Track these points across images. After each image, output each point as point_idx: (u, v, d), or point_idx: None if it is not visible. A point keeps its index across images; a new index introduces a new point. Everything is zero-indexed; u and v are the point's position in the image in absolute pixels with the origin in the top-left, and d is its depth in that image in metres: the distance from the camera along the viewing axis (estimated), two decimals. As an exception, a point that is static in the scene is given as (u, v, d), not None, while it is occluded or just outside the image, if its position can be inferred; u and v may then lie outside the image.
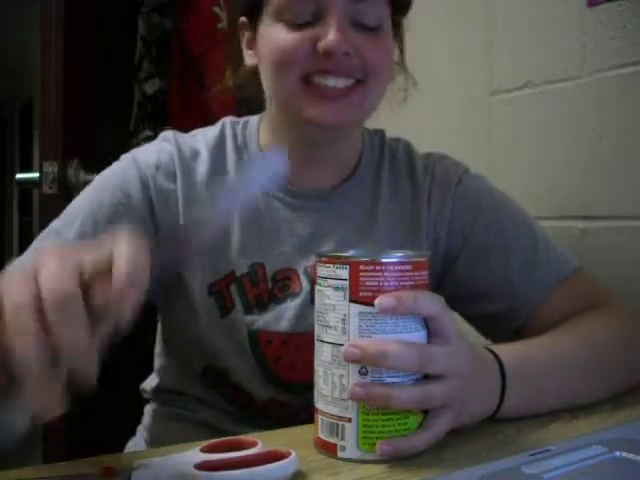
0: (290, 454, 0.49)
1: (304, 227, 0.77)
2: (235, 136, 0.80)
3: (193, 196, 0.74)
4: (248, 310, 0.73)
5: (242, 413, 0.76)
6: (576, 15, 1.00)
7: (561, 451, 0.52)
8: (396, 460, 0.53)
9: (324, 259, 0.55)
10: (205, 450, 0.51)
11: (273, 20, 0.70)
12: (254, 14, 0.73)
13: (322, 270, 0.55)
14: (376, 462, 0.53)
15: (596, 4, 0.97)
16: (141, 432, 0.86)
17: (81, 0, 1.65)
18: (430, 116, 1.29)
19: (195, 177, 0.76)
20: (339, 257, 0.54)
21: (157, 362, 0.86)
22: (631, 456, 0.51)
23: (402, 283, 0.53)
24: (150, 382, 0.87)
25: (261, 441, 0.51)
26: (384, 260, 0.52)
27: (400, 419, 0.53)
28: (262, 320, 0.73)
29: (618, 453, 0.52)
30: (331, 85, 0.68)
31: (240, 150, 0.79)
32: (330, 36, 0.66)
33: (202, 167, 0.76)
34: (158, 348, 0.86)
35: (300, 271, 0.75)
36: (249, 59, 0.77)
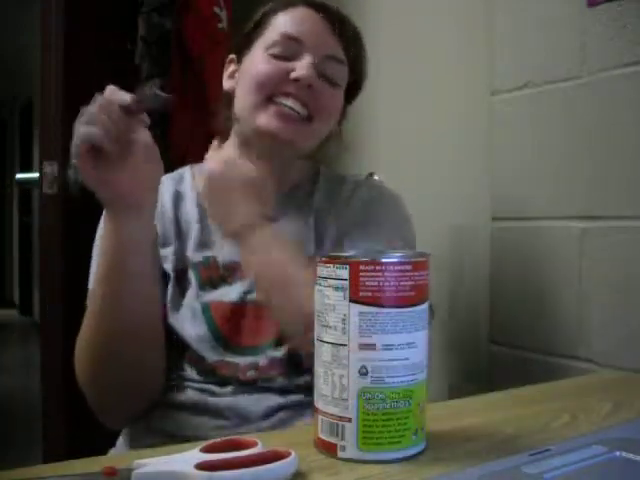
0: (290, 454, 0.49)
1: None
2: (192, 172, 0.97)
3: None
4: (202, 287, 0.85)
5: (201, 377, 0.82)
6: (576, 15, 1.00)
7: (561, 451, 0.52)
8: (396, 461, 0.53)
9: (324, 259, 0.55)
10: (205, 450, 0.51)
11: (261, 51, 0.86)
12: (245, 48, 0.90)
13: (322, 270, 0.55)
14: (376, 462, 0.53)
15: (596, 4, 0.97)
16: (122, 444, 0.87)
17: (81, 0, 1.65)
18: (430, 116, 1.29)
19: None
20: (339, 257, 0.54)
21: None
22: (631, 456, 0.51)
23: (402, 283, 0.53)
24: None
25: (261, 441, 0.51)
26: (384, 260, 0.53)
27: (400, 419, 0.53)
28: (213, 295, 0.85)
29: (618, 453, 0.52)
30: (289, 105, 0.84)
31: (195, 179, 0.95)
32: (302, 70, 0.83)
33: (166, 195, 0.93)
34: None
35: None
36: (227, 84, 0.94)
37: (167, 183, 0.93)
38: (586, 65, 0.99)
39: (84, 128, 0.68)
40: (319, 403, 0.55)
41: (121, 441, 0.86)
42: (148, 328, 0.78)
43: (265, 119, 0.84)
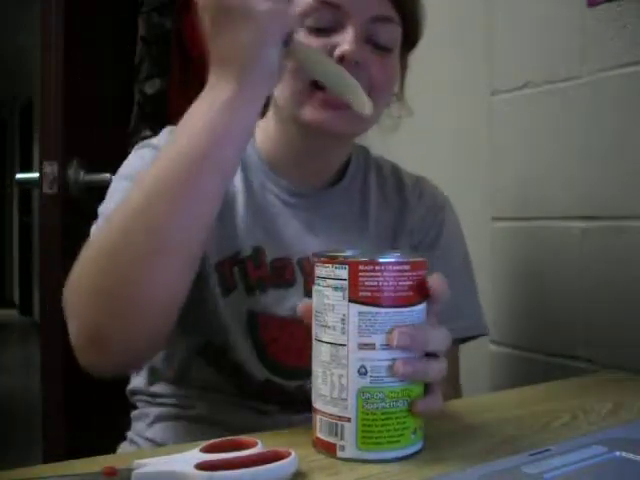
0: (290, 454, 0.49)
1: (297, 223, 0.81)
2: None
3: None
4: (250, 291, 0.76)
5: (240, 396, 0.77)
6: (576, 15, 1.00)
7: (561, 451, 0.52)
8: (395, 460, 0.53)
9: (323, 259, 0.55)
10: (205, 450, 0.51)
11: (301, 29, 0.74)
12: None
13: (321, 270, 0.55)
14: (375, 462, 0.53)
15: (596, 4, 0.97)
16: (132, 438, 0.85)
17: (81, 0, 1.65)
18: (430, 116, 1.29)
19: None
20: (338, 257, 0.54)
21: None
22: (631, 456, 0.51)
23: (401, 283, 0.53)
24: (139, 382, 0.85)
25: (261, 441, 0.51)
26: (383, 260, 0.53)
27: (399, 418, 0.53)
28: (262, 303, 0.76)
29: (618, 453, 0.52)
30: (338, 100, 0.70)
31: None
32: (346, 45, 0.71)
33: None
34: None
35: (294, 261, 0.79)
36: None
37: None
38: (586, 65, 0.99)
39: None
40: (318, 403, 0.55)
41: (132, 435, 0.84)
42: (195, 244, 0.60)
43: (310, 111, 0.73)
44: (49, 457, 1.67)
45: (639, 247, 0.92)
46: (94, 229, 0.73)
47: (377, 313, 0.52)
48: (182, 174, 0.57)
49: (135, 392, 0.86)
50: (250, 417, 0.76)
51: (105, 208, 0.74)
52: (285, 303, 0.77)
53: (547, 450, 0.53)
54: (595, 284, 0.98)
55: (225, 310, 0.75)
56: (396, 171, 0.91)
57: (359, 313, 0.52)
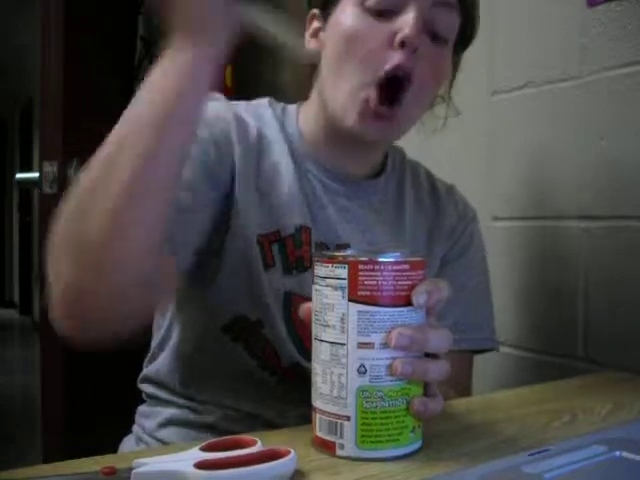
0: (289, 453, 0.49)
1: (333, 209, 0.79)
2: (277, 115, 0.81)
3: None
4: (287, 270, 0.75)
5: (261, 371, 0.75)
6: (576, 15, 1.00)
7: (561, 451, 0.52)
8: (395, 458, 0.53)
9: (323, 259, 0.55)
10: (205, 449, 0.51)
11: (352, 5, 0.71)
12: (330, 3, 0.75)
13: (320, 270, 0.55)
14: (374, 460, 0.53)
15: (596, 4, 0.97)
16: (141, 436, 0.83)
17: (81, 0, 1.66)
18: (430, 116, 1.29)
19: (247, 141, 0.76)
20: (337, 257, 0.54)
21: (167, 334, 0.81)
22: (631, 456, 0.51)
23: (400, 282, 0.53)
24: (153, 370, 0.82)
25: (260, 440, 0.51)
26: (382, 260, 0.53)
27: (398, 417, 0.53)
28: (298, 282, 0.75)
29: (618, 453, 0.52)
30: (383, 111, 0.70)
31: (283, 126, 0.80)
32: (407, 29, 0.67)
33: (251, 136, 0.77)
34: (166, 321, 0.82)
35: (331, 247, 0.77)
36: (311, 44, 0.78)
37: (246, 113, 0.78)
38: (586, 65, 0.99)
39: None
40: (317, 402, 0.56)
41: (138, 431, 0.82)
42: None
43: (354, 118, 0.71)
44: (49, 457, 1.67)
45: (639, 247, 0.92)
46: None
47: (376, 312, 0.52)
48: (147, 128, 0.57)
49: (148, 380, 0.83)
50: (266, 410, 0.75)
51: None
52: None
53: (547, 450, 0.53)
54: (595, 284, 0.98)
55: (262, 286, 0.74)
56: (430, 177, 0.91)
57: (358, 312, 0.52)
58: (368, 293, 0.52)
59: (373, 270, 0.52)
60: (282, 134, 0.79)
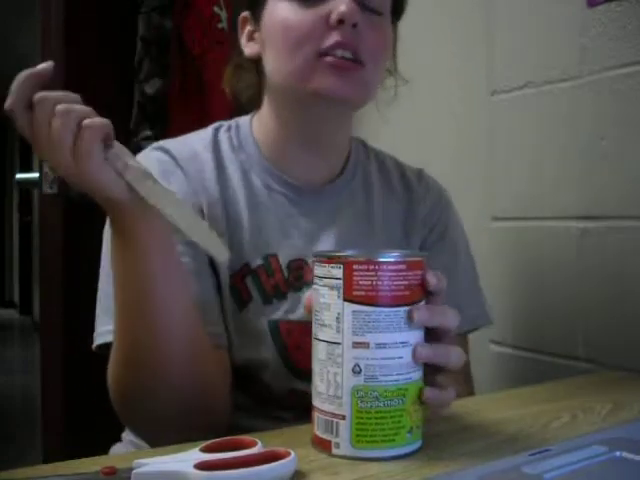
0: (290, 454, 0.49)
1: (306, 222, 0.79)
2: (230, 138, 0.81)
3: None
4: (267, 300, 0.75)
5: (257, 406, 0.75)
6: (576, 15, 1.00)
7: (561, 451, 0.52)
8: (390, 459, 0.53)
9: (320, 258, 0.55)
10: (205, 450, 0.51)
11: (281, 1, 0.72)
12: (258, 3, 0.76)
13: (318, 269, 0.55)
14: (370, 460, 0.53)
15: (596, 4, 0.97)
16: (132, 439, 0.81)
17: (81, 0, 1.65)
18: (430, 116, 1.29)
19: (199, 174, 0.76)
20: (333, 257, 0.54)
21: None
22: (631, 456, 0.51)
23: (396, 282, 0.53)
24: None
25: (261, 441, 0.51)
26: (378, 260, 0.53)
27: (394, 417, 0.53)
28: (282, 309, 0.74)
29: (618, 453, 0.52)
30: (341, 55, 0.70)
31: (236, 150, 0.80)
32: (342, 7, 0.68)
33: (205, 166, 0.77)
34: None
35: (310, 262, 0.76)
36: (249, 49, 0.79)
37: (202, 150, 0.78)
38: (586, 65, 0.99)
39: (91, 126, 0.54)
40: (316, 401, 0.56)
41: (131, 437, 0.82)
42: (187, 335, 0.63)
43: (318, 79, 0.70)
44: (49, 457, 1.67)
45: (638, 247, 0.92)
46: (100, 289, 0.73)
47: (371, 312, 0.52)
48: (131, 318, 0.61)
49: None
50: (267, 424, 0.72)
51: (102, 267, 0.73)
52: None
53: (547, 450, 0.52)
54: (595, 284, 0.98)
55: (241, 326, 0.73)
56: (398, 164, 0.90)
57: (353, 312, 0.53)
58: (363, 293, 0.52)
59: (368, 270, 0.52)
60: (237, 160, 0.79)
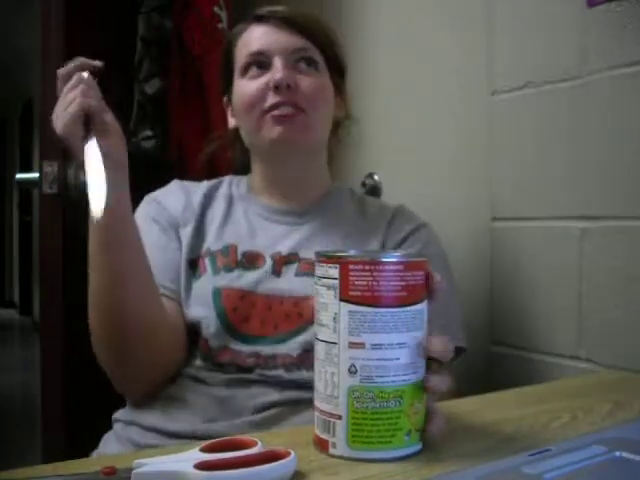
0: (289, 454, 0.49)
1: (275, 231, 0.94)
2: (231, 181, 1.03)
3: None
4: (215, 272, 0.89)
5: (202, 363, 0.85)
6: (576, 15, 1.00)
7: (561, 451, 0.52)
8: (386, 460, 0.53)
9: (319, 258, 0.56)
10: (205, 450, 0.51)
11: (240, 80, 0.93)
12: (229, 85, 0.97)
13: (318, 269, 0.56)
14: (366, 461, 0.53)
15: (596, 4, 0.97)
16: (117, 431, 0.87)
17: (81, 0, 1.65)
18: (430, 116, 1.29)
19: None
20: (331, 257, 0.55)
21: None
22: (631, 456, 0.51)
23: (393, 283, 0.53)
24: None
25: (261, 441, 0.51)
26: (374, 260, 0.53)
27: (391, 419, 0.53)
28: (226, 279, 0.88)
29: (618, 453, 0.52)
30: (283, 113, 0.88)
31: (231, 187, 1.01)
32: (277, 74, 0.89)
33: (199, 191, 0.99)
34: None
35: (267, 254, 0.91)
36: (231, 123, 1.00)
37: (203, 185, 1.00)
38: (586, 65, 0.99)
39: (82, 99, 0.73)
40: (316, 400, 0.56)
41: (111, 438, 0.87)
42: (141, 279, 0.80)
43: (267, 131, 0.89)
44: (49, 457, 1.67)
45: (638, 247, 0.92)
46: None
47: (367, 313, 0.52)
48: (98, 268, 0.78)
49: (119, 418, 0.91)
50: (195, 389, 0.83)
51: None
52: (248, 278, 0.87)
53: (547, 450, 0.52)
54: (595, 284, 0.98)
55: (195, 292, 0.88)
56: (379, 202, 1.04)
57: (349, 312, 0.53)
58: (359, 293, 0.53)
59: (364, 270, 0.52)
60: (228, 192, 0.99)
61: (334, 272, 0.54)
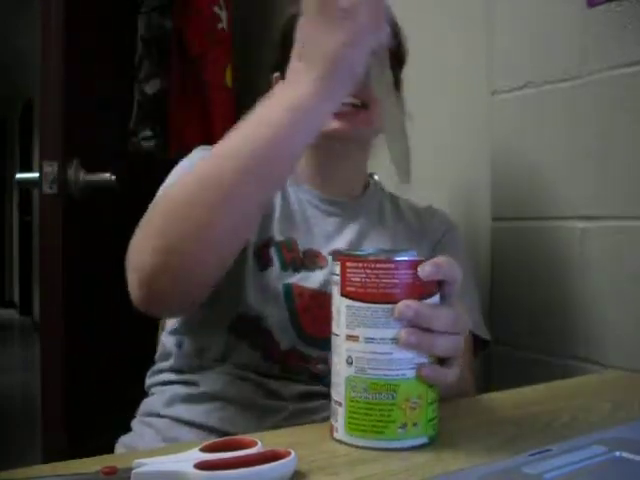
0: (290, 454, 0.49)
1: (327, 224, 0.92)
2: None
3: None
4: (284, 268, 0.85)
5: (264, 362, 0.81)
6: (576, 15, 1.00)
7: (561, 451, 0.52)
8: (380, 449, 0.54)
9: (335, 256, 0.59)
10: (205, 450, 0.51)
11: None
12: (285, 62, 0.84)
13: (333, 267, 0.59)
14: (363, 448, 0.55)
15: (596, 4, 0.97)
16: (139, 425, 0.85)
17: (81, 0, 1.65)
18: (430, 116, 1.29)
19: None
20: (336, 255, 0.59)
21: (172, 338, 0.88)
22: (631, 456, 0.51)
23: (384, 280, 0.55)
24: (161, 366, 0.89)
25: (261, 441, 0.51)
26: (368, 258, 0.56)
27: (383, 411, 0.55)
28: (295, 277, 0.84)
29: (618, 453, 0.52)
30: (343, 111, 0.84)
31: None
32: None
33: None
34: (176, 323, 0.89)
35: (324, 253, 0.88)
36: None
37: None
38: (586, 65, 0.99)
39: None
40: (331, 388, 0.59)
41: (147, 433, 0.84)
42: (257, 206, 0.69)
43: (331, 125, 0.85)
44: (49, 457, 1.67)
45: (639, 247, 0.92)
46: (160, 194, 0.80)
47: (360, 308, 0.55)
48: (248, 159, 0.63)
49: (161, 371, 0.89)
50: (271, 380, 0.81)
51: (167, 182, 0.86)
52: (315, 279, 0.85)
53: (547, 450, 0.52)
54: (595, 284, 0.98)
55: (260, 285, 0.83)
56: (409, 202, 1.02)
57: (347, 307, 0.56)
58: (354, 289, 0.56)
59: (358, 267, 0.56)
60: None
61: (337, 269, 0.57)
